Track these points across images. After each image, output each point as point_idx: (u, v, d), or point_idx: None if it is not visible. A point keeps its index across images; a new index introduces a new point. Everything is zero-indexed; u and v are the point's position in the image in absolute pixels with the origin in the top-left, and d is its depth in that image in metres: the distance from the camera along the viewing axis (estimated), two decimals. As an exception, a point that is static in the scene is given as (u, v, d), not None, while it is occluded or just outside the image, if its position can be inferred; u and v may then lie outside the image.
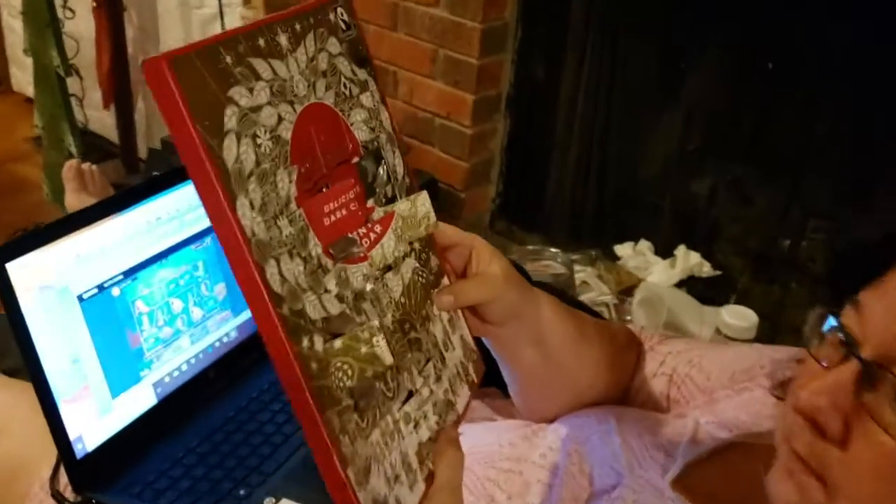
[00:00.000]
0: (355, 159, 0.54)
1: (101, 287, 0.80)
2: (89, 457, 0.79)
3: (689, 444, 0.71)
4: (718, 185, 1.74)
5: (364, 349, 0.48)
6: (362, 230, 0.53)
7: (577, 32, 1.79)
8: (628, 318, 1.54)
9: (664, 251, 1.78)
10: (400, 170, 0.60)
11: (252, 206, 0.43)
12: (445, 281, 0.64)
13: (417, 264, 0.59)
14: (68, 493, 0.79)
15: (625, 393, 0.84)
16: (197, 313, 0.91)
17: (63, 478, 0.79)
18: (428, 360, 0.57)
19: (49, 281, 0.76)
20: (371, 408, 0.49)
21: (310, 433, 0.43)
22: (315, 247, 0.47)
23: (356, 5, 0.57)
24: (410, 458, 0.52)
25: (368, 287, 0.52)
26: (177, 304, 0.88)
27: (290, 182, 0.46)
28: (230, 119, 0.43)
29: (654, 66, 1.75)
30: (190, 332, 0.90)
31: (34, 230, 0.75)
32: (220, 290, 0.93)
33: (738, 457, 0.69)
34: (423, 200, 0.58)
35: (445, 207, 1.99)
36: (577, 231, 1.94)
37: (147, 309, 0.85)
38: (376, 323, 0.50)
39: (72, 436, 0.78)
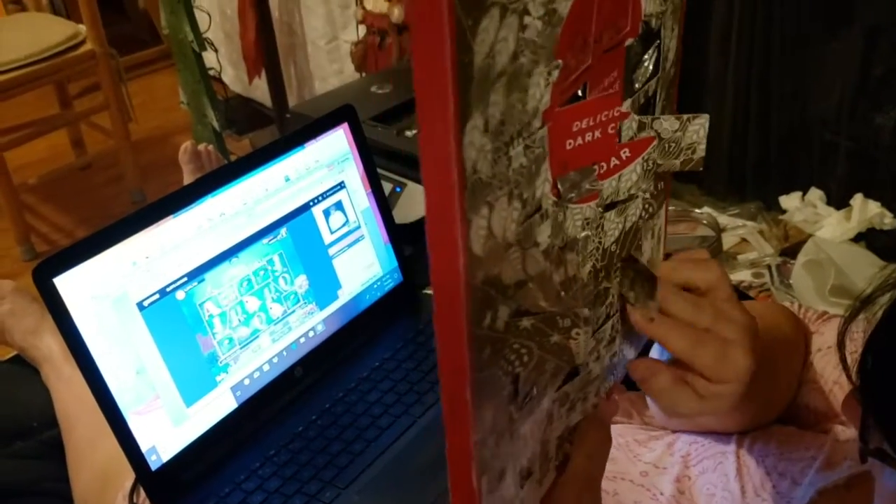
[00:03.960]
0: (629, 41, 0.37)
1: (162, 292, 0.76)
2: (165, 467, 0.77)
3: (822, 468, 0.57)
4: (910, 116, 1.47)
5: (555, 338, 0.35)
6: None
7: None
8: (790, 281, 1.34)
9: (838, 201, 1.55)
10: (671, 56, 0.42)
11: (486, 129, 0.28)
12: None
13: (648, 196, 0.43)
14: (146, 506, 0.77)
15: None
16: (277, 310, 0.85)
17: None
18: (607, 318, 0.42)
19: (103, 291, 0.72)
20: (531, 397, 0.36)
21: (453, 430, 0.31)
22: (543, 183, 0.33)
23: None
24: (550, 446, 0.40)
25: (582, 234, 0.37)
26: (252, 303, 0.83)
27: (547, 86, 0.31)
28: None
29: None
30: (270, 330, 0.85)
31: (82, 240, 0.72)
32: (302, 282, 0.87)
33: None
34: (698, 125, 0.41)
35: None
36: (737, 180, 1.72)
37: (218, 310, 0.80)
38: (586, 311, 0.37)
39: (144, 447, 0.75)
